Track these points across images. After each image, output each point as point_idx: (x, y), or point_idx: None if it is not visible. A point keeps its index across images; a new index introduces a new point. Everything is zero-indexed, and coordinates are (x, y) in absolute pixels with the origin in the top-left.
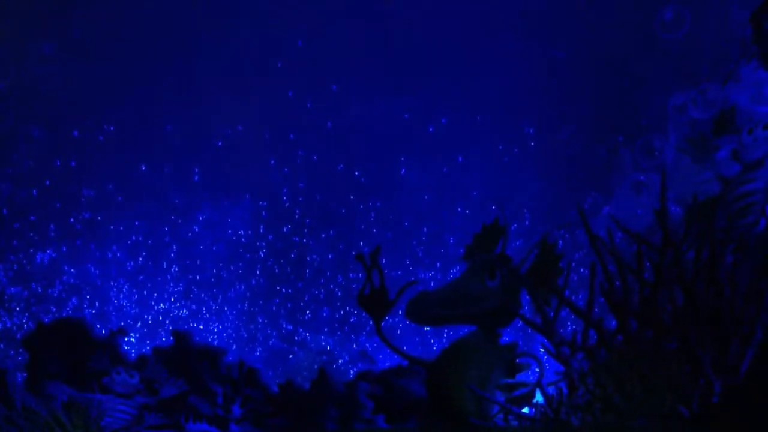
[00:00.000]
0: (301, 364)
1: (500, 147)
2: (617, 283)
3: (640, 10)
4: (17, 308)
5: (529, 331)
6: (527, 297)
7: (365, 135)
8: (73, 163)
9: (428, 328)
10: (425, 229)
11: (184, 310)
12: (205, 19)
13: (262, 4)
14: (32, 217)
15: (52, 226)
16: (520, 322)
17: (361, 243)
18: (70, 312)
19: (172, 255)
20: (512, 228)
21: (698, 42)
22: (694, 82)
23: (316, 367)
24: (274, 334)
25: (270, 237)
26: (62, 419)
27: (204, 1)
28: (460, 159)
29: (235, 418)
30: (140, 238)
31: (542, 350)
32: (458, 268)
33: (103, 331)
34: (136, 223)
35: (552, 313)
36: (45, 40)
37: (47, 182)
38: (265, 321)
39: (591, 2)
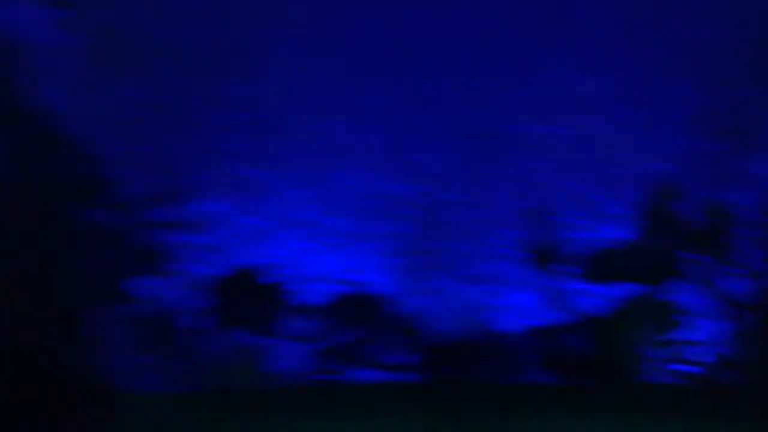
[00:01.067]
0: (460, 316)
1: (659, 107)
2: None
3: None
4: (190, 257)
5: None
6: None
7: (518, 92)
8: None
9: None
10: (581, 187)
11: (346, 262)
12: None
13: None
14: (188, 170)
15: (220, 179)
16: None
17: (511, 202)
18: (243, 261)
19: (330, 208)
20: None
21: None
22: None
23: (474, 319)
24: (431, 286)
25: (427, 194)
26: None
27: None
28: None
29: (405, 365)
30: (309, 192)
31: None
32: (610, 227)
33: (280, 278)
34: (307, 176)
35: (715, 272)
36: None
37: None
38: (423, 274)
39: None
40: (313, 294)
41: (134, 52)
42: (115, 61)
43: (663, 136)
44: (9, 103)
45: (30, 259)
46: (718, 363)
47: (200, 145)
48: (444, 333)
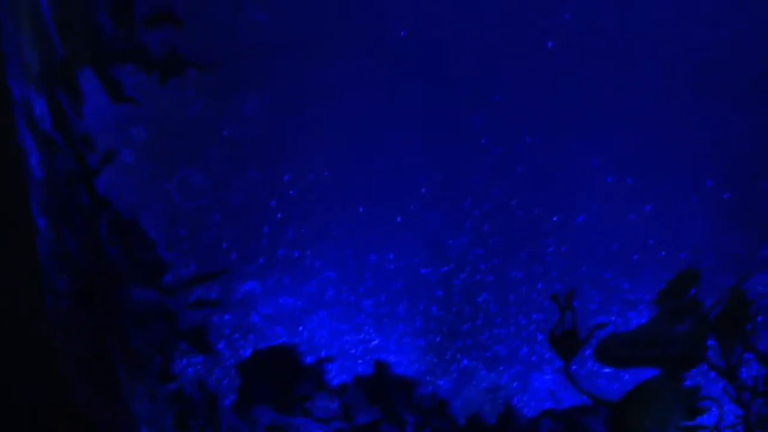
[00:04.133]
0: (478, 398)
1: (682, 198)
2: None
3: None
4: (222, 334)
5: (712, 374)
6: (713, 342)
7: (551, 180)
8: (272, 203)
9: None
10: (606, 274)
11: (375, 341)
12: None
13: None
14: (230, 251)
15: (261, 260)
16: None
17: (539, 285)
18: (271, 341)
19: (362, 290)
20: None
21: None
22: None
23: (495, 402)
24: (453, 368)
25: (450, 275)
26: None
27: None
28: (647, 209)
29: None
30: (334, 274)
31: (724, 394)
32: (635, 314)
33: (309, 360)
34: (333, 258)
35: (735, 360)
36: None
37: (252, 220)
38: (443, 356)
39: None
40: (340, 373)
41: (190, 143)
42: (175, 152)
43: (686, 224)
44: (74, 192)
45: (81, 336)
46: None
47: (242, 227)
48: (468, 415)
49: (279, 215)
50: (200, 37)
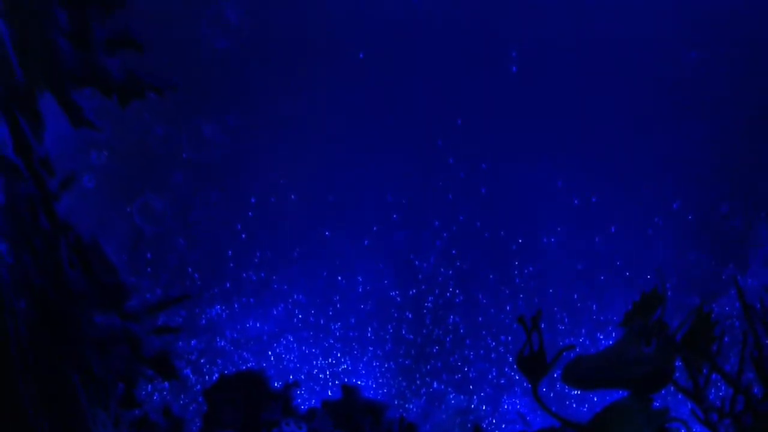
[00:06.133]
0: (447, 421)
1: (646, 219)
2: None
3: None
4: (189, 360)
5: (680, 396)
6: (680, 363)
7: (517, 202)
8: (239, 227)
9: (581, 392)
10: (574, 295)
11: (344, 365)
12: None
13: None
14: (195, 275)
15: (227, 284)
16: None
17: (508, 307)
18: (238, 366)
19: (331, 313)
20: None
21: None
22: None
23: (464, 425)
24: (422, 391)
25: (419, 297)
26: None
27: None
28: (612, 229)
29: None
30: (302, 298)
31: (692, 415)
32: (603, 335)
33: (277, 384)
34: (301, 281)
35: (703, 380)
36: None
37: (220, 242)
38: (413, 379)
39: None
40: (309, 398)
41: (152, 167)
42: (136, 176)
43: (655, 247)
44: (35, 217)
45: (42, 362)
46: None
47: (209, 251)
48: None
49: (243, 236)
50: (161, 61)
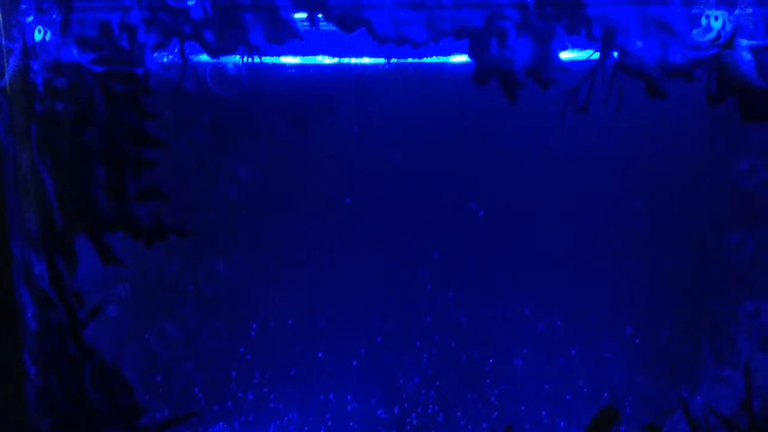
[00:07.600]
0: None
1: (604, 344)
2: None
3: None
4: None
5: None
6: None
7: (490, 328)
8: (242, 351)
9: None
10: (542, 413)
11: None
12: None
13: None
14: (200, 395)
15: (229, 404)
16: None
17: (484, 425)
18: None
19: (323, 431)
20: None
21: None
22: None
23: None
24: None
25: (399, 417)
26: None
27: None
28: (573, 353)
29: None
30: (296, 416)
31: None
32: None
33: None
34: (296, 400)
35: None
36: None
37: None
38: None
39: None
40: None
41: (168, 298)
42: (151, 306)
43: (606, 367)
44: (63, 342)
45: None
46: None
47: (214, 374)
48: None
49: (249, 358)
50: (181, 209)
